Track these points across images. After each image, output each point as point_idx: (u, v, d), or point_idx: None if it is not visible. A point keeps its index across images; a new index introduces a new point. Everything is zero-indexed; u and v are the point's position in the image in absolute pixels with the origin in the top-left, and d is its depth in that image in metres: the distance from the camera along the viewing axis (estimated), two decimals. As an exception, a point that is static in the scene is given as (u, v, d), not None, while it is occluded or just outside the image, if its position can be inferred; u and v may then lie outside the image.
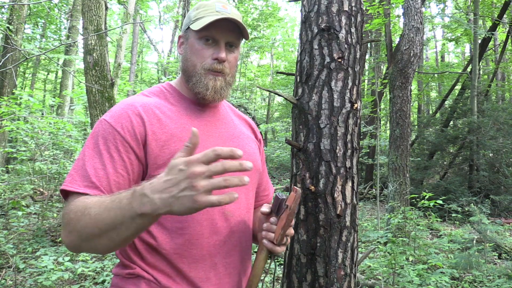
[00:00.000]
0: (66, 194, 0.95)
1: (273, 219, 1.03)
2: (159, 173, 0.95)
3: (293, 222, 1.03)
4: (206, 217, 1.02)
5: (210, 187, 0.71)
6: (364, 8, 1.90)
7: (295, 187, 1.00)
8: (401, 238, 4.51)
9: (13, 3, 7.74)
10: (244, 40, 1.15)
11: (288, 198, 1.00)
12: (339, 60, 1.75)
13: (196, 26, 1.04)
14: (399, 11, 11.92)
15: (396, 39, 11.58)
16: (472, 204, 6.94)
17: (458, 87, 12.98)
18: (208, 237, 1.02)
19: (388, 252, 4.20)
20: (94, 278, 3.81)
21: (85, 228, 0.83)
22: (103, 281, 3.68)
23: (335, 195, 1.66)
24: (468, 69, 11.34)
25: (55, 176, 6.36)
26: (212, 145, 1.06)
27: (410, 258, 4.41)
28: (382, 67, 14.47)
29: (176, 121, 1.05)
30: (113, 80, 5.45)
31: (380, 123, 14.05)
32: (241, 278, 1.08)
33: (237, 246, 1.07)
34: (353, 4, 1.82)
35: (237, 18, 1.05)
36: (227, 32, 1.06)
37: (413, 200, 6.26)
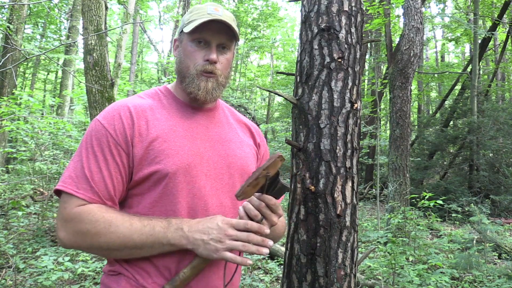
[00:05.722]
0: (59, 192, 0.99)
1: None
2: (144, 174, 1.00)
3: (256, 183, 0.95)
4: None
5: (231, 246, 0.93)
6: (364, 8, 1.90)
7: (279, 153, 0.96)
8: (401, 238, 4.50)
9: (13, 3, 7.73)
10: (236, 41, 1.17)
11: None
12: (339, 60, 1.75)
13: (188, 29, 1.07)
14: (399, 11, 11.91)
15: (396, 39, 11.57)
16: (472, 204, 6.94)
17: (458, 87, 12.99)
18: None
19: (388, 252, 4.20)
20: (94, 278, 3.80)
21: (109, 244, 0.94)
22: (103, 281, 3.68)
23: (335, 195, 1.66)
24: (468, 69, 11.34)
25: (55, 176, 6.36)
26: (199, 147, 1.08)
27: (410, 258, 4.40)
28: (382, 67, 14.47)
29: (165, 123, 1.07)
30: (113, 80, 5.45)
31: (380, 123, 14.04)
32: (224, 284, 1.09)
33: None
34: (353, 4, 1.82)
35: (229, 20, 1.07)
36: (218, 34, 1.08)
37: (413, 200, 6.25)
